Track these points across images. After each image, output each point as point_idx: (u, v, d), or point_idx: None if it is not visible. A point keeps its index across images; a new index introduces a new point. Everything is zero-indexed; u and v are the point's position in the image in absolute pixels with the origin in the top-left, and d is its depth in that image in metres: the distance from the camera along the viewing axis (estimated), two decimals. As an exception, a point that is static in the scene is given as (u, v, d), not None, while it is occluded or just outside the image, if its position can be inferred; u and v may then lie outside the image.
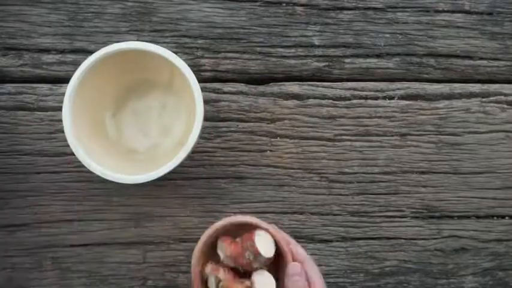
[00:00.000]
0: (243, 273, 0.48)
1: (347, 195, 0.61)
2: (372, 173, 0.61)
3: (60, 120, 0.54)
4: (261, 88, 0.62)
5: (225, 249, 0.48)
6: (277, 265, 0.49)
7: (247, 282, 0.46)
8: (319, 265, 0.61)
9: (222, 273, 0.47)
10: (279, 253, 0.48)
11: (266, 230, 0.48)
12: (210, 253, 0.49)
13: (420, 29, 0.63)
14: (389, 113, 0.62)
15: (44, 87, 0.60)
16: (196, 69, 0.61)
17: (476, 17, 0.64)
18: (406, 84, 0.61)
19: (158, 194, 0.60)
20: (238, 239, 0.48)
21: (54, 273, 0.59)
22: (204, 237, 0.49)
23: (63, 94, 0.51)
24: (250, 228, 0.48)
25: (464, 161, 0.63)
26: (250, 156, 0.61)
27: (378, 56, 0.62)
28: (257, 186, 0.61)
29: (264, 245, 0.47)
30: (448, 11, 0.63)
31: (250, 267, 0.47)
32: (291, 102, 0.61)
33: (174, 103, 0.59)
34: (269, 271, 0.48)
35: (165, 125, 0.59)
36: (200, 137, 0.55)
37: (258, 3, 0.62)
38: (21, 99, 0.59)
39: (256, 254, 0.46)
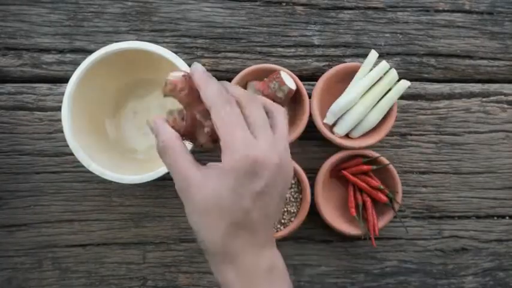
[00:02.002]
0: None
1: (347, 195, 0.61)
2: (372, 173, 0.61)
3: (60, 120, 0.54)
4: (261, 88, 0.62)
5: (253, 85, 0.56)
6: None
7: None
8: (319, 265, 0.61)
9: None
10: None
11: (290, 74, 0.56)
12: None
13: (420, 28, 0.63)
14: (389, 113, 0.62)
15: (43, 87, 0.60)
16: (196, 69, 0.61)
17: (476, 16, 0.63)
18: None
19: (158, 194, 0.60)
20: (265, 79, 0.56)
21: (54, 273, 0.59)
22: (236, 79, 0.57)
23: (62, 94, 0.51)
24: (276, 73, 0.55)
25: (465, 161, 0.63)
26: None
27: (378, 55, 0.62)
28: (257, 186, 0.61)
29: (288, 79, 0.54)
30: (448, 11, 0.63)
31: (274, 96, 0.53)
32: (291, 102, 0.61)
33: (174, 103, 0.59)
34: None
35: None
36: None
37: (258, 3, 0.62)
38: (21, 99, 0.59)
39: (282, 84, 0.53)
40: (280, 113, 0.38)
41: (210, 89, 0.35)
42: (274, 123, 0.37)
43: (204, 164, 0.36)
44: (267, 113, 0.37)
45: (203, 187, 0.34)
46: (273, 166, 0.34)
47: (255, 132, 0.35)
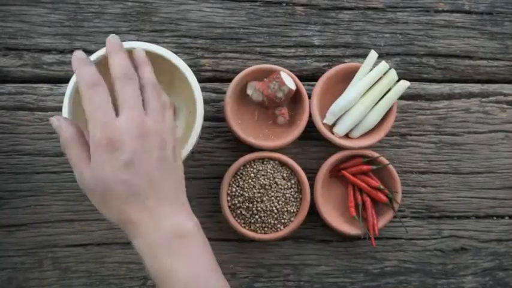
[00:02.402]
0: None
1: (347, 195, 0.61)
2: (372, 173, 0.61)
3: (60, 120, 0.54)
4: (261, 88, 0.62)
5: (253, 85, 0.57)
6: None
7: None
8: (319, 265, 0.61)
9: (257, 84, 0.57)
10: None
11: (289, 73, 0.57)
12: (239, 97, 0.59)
13: (420, 29, 0.63)
14: (389, 113, 0.62)
15: (44, 87, 0.60)
16: (196, 69, 0.61)
17: (476, 17, 0.64)
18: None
19: (158, 194, 0.60)
20: (265, 79, 0.57)
21: (54, 273, 0.59)
22: (236, 79, 0.57)
23: (63, 94, 0.51)
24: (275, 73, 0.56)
25: (464, 161, 0.63)
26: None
27: (378, 56, 0.62)
28: (257, 186, 0.61)
29: (288, 79, 0.56)
30: (448, 11, 0.63)
31: (274, 97, 0.55)
32: (291, 102, 0.61)
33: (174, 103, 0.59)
34: None
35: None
36: (200, 137, 0.55)
37: (258, 3, 0.62)
38: (21, 99, 0.59)
39: (282, 84, 0.54)
40: (150, 87, 0.41)
41: (82, 69, 0.40)
42: (145, 98, 0.41)
43: None
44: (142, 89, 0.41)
45: (89, 176, 0.38)
46: (132, 139, 0.38)
47: (119, 110, 0.39)
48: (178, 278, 0.39)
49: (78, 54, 0.41)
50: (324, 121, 0.58)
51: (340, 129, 0.58)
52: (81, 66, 0.40)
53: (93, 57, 0.51)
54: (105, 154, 0.37)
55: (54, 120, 0.41)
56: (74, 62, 0.40)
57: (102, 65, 0.52)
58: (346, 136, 0.59)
